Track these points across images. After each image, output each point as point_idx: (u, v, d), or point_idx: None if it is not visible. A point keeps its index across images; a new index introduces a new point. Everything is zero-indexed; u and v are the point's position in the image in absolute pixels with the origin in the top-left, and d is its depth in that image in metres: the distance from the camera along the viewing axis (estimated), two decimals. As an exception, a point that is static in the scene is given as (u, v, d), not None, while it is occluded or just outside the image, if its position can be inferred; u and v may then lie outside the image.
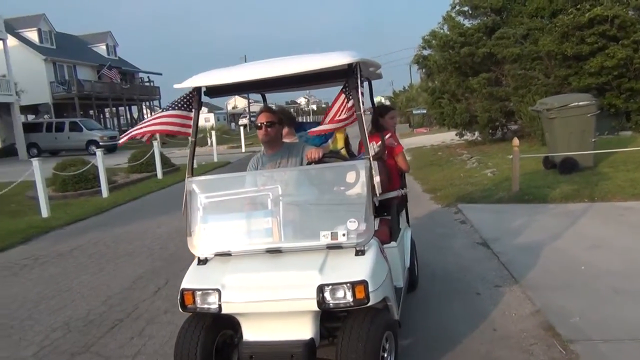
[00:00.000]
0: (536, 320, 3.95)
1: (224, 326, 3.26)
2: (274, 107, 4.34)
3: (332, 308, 3.00)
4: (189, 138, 3.59)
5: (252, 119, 59.29)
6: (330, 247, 3.17)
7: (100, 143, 29.48)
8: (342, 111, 3.35)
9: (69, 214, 10.37)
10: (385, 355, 3.12)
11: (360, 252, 3.13)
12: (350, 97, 3.31)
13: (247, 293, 3.07)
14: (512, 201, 8.02)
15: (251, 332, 3.15)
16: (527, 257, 5.39)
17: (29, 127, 30.83)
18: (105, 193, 12.44)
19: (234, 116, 75.05)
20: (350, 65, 3.30)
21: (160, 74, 49.94)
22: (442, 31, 15.29)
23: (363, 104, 3.38)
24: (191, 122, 3.60)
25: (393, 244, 4.05)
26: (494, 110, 14.20)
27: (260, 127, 3.93)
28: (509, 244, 5.91)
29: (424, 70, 16.10)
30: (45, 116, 36.36)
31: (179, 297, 3.20)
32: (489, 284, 4.81)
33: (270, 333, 3.11)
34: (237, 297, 3.07)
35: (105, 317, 4.89)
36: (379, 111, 5.03)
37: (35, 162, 10.35)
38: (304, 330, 3.08)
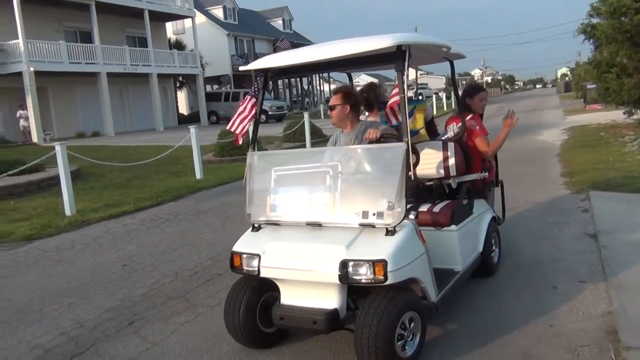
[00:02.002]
0: (603, 322, 3.66)
1: (270, 289, 3.60)
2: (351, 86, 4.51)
3: (353, 283, 3.17)
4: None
5: (420, 90, 58.59)
6: (362, 225, 3.32)
7: (269, 112, 31.82)
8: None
9: (218, 177, 11.58)
10: (406, 334, 3.21)
11: (390, 232, 3.23)
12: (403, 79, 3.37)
13: (281, 260, 3.38)
14: (654, 192, 7.15)
15: (286, 296, 3.46)
16: (633, 254, 4.88)
17: (210, 97, 34.28)
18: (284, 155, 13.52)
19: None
20: (399, 47, 3.34)
21: (331, 47, 51.36)
22: (613, -4, 13.60)
23: (413, 86, 3.41)
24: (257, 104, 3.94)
25: (453, 227, 4.02)
26: (671, 86, 12.41)
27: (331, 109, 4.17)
28: (621, 239, 5.37)
29: (591, 41, 14.54)
30: (227, 87, 39.96)
31: (229, 259, 3.62)
32: (573, 279, 4.50)
33: (301, 299, 3.38)
34: (273, 263, 3.39)
35: (208, 270, 5.57)
36: (467, 92, 4.91)
37: (192, 129, 11.69)
38: (329, 300, 3.30)
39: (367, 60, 3.57)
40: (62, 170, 8.65)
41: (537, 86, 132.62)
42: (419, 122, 4.72)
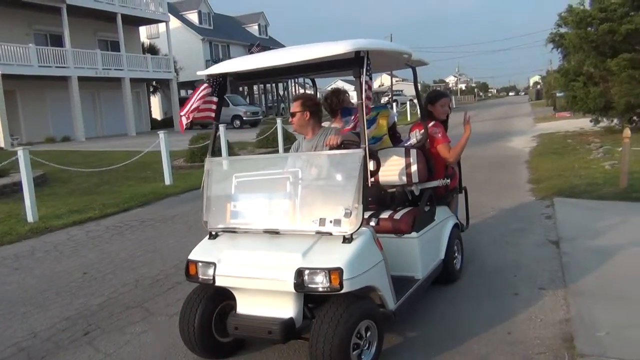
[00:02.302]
0: (559, 329, 3.68)
1: (227, 297, 3.52)
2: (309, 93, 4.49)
3: (309, 291, 3.12)
4: (213, 122, 3.88)
5: (395, 97, 59.08)
6: (320, 233, 3.28)
7: (244, 118, 31.70)
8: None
9: (187, 183, 11.43)
10: (362, 343, 3.17)
11: (347, 240, 3.19)
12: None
13: (237, 268, 3.31)
14: (616, 198, 7.26)
15: (242, 306, 3.39)
16: (593, 260, 4.94)
17: (184, 101, 33.87)
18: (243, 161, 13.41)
19: (378, 94, 75.16)
20: (357, 53, 3.32)
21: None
22: (579, 6, 13.89)
23: (368, 91, 3.38)
24: (215, 107, 3.88)
25: (414, 234, 4.00)
26: (635, 95, 12.68)
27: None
28: (583, 245, 5.43)
29: (559, 50, 14.80)
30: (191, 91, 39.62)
31: (185, 267, 3.54)
32: (533, 285, 4.53)
33: (257, 308, 3.32)
34: (228, 272, 3.32)
35: (169, 278, 5.46)
36: (429, 98, 4.92)
37: (161, 134, 11.54)
38: (285, 309, 3.24)
39: (326, 66, 3.54)
40: (25, 176, 8.43)
41: (510, 94, 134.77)
42: (383, 128, 4.70)
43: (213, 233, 3.65)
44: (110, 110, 30.35)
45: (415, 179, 4.40)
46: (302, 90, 48.47)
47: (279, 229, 3.42)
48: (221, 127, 13.47)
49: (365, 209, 4.20)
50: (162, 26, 34.34)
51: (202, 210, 3.69)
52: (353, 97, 4.02)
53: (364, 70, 3.31)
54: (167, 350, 3.78)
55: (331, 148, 3.88)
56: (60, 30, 25.94)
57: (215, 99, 3.86)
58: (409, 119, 34.53)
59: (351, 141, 3.92)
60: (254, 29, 48.30)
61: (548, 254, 5.32)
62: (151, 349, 3.87)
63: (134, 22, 31.45)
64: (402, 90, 71.20)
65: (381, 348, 3.32)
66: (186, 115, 3.89)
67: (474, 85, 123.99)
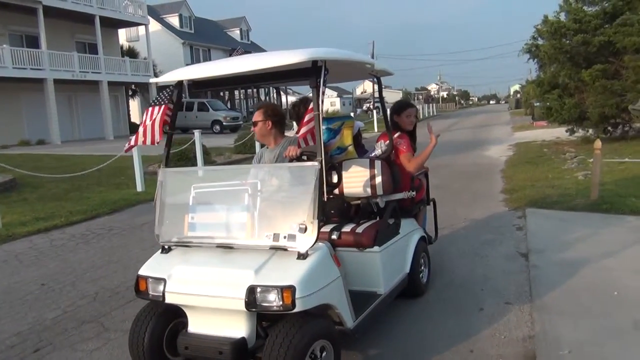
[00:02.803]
0: (522, 347, 3.60)
1: (179, 315, 3.37)
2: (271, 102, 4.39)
3: (261, 310, 3.00)
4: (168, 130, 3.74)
5: (377, 104, 59.25)
6: (274, 249, 3.16)
7: (224, 123, 31.46)
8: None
9: (160, 190, 11.19)
10: (317, 363, 3.05)
11: (301, 256, 3.07)
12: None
13: (187, 285, 3.17)
14: (586, 209, 7.25)
15: (194, 324, 3.25)
16: (560, 274, 4.89)
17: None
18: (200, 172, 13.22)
19: (360, 101, 75.42)
20: (314, 62, 3.22)
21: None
22: (555, 18, 14.01)
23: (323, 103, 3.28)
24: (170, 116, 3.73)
25: (376, 248, 3.90)
26: (609, 106, 12.79)
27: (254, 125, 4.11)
28: (551, 258, 5.38)
29: (535, 60, 14.91)
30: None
31: (135, 283, 3.39)
32: (500, 300, 4.45)
33: (208, 327, 3.18)
34: (178, 288, 3.18)
35: (130, 290, 5.20)
36: (394, 109, 4.84)
37: (196, 133, 11.39)
38: (237, 328, 3.11)
39: (283, 76, 3.43)
40: (-13, 182, 8.17)
41: (491, 102, 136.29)
42: (347, 138, 4.60)
43: (166, 247, 3.51)
44: (88, 113, 29.90)
45: (379, 190, 4.30)
46: (283, 96, 48.48)
47: (233, 244, 3.29)
48: (197, 133, 13.32)
49: (327, 222, 4.14)
50: (142, 29, 34.05)
51: (154, 223, 3.55)
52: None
53: (322, 80, 3.21)
54: None
55: (290, 159, 3.77)
56: (37, 31, 25.51)
57: (170, 106, 3.71)
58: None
59: (311, 152, 3.80)
60: (235, 33, 48.10)
61: (517, 267, 5.26)
62: (101, 367, 3.70)
63: (112, 24, 31.08)
64: (384, 97, 71.42)
65: (337, 368, 3.20)
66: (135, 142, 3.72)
67: (455, 93, 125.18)
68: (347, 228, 4.01)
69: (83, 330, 4.38)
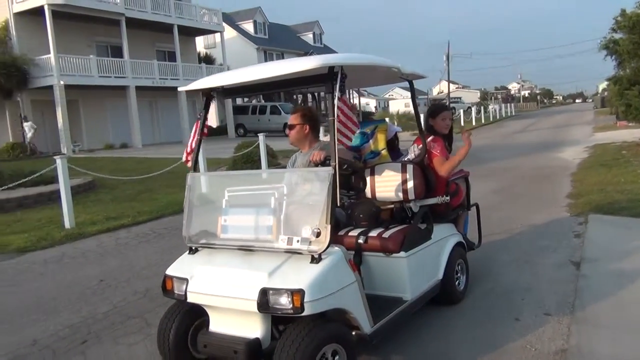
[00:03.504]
0: (551, 361, 3.44)
1: (203, 314, 3.50)
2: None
3: (273, 312, 3.06)
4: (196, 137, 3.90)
5: (453, 104, 58.01)
6: (289, 252, 3.21)
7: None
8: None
9: (223, 192, 11.57)
10: (329, 367, 3.07)
11: (315, 260, 3.10)
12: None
13: (206, 286, 3.29)
14: (655, 217, 6.77)
15: (213, 323, 3.37)
16: (611, 285, 4.61)
17: (238, 110, 34.63)
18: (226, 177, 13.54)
19: (434, 101, 74.00)
20: (331, 69, 3.25)
21: (361, 61, 51.44)
22: (635, 11, 13.09)
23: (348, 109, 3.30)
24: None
25: (402, 253, 3.85)
26: (696, 104, 11.81)
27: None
28: (605, 267, 5.08)
29: (612, 57, 14.01)
30: (254, 100, 40.36)
31: (162, 282, 3.56)
32: (539, 311, 4.26)
33: (226, 327, 3.29)
34: (198, 288, 3.31)
35: (177, 289, 5.50)
36: (430, 112, 4.76)
37: (261, 136, 11.92)
38: (252, 329, 3.19)
39: (301, 82, 3.49)
40: (62, 183, 8.80)
41: (577, 101, 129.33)
42: (380, 142, 4.59)
43: (193, 248, 3.65)
44: (167, 118, 31.37)
45: (411, 195, 4.25)
46: (356, 99, 48.49)
47: (253, 246, 3.37)
48: (261, 136, 13.62)
49: (357, 226, 4.14)
50: (218, 36, 35.25)
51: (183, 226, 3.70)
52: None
53: (337, 85, 3.23)
54: None
55: (315, 164, 3.81)
56: (120, 41, 27.06)
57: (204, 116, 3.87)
58: (463, 125, 33.97)
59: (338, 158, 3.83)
60: (308, 37, 48.76)
61: (565, 276, 5.00)
62: (136, 361, 3.90)
63: (190, 32, 32.43)
64: (460, 98, 69.84)
65: (351, 373, 3.20)
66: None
67: (538, 92, 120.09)
68: (374, 232, 3.99)
69: (128, 325, 4.63)
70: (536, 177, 11.30)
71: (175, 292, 3.44)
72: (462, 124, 31.98)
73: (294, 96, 44.84)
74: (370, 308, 3.47)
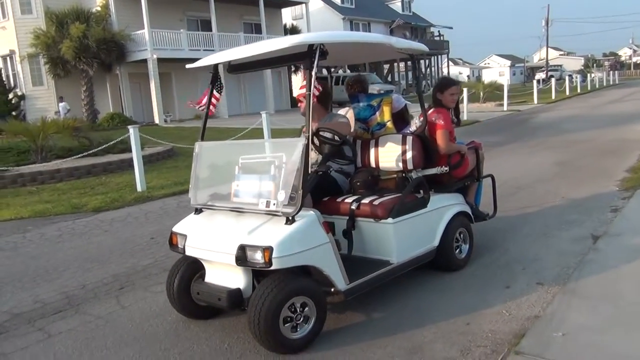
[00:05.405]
0: (520, 326, 3.57)
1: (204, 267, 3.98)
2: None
3: (249, 266, 3.46)
4: (201, 109, 4.34)
5: (551, 73, 54.88)
6: (269, 214, 3.58)
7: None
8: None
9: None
10: (296, 317, 3.42)
11: (289, 221, 3.45)
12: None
13: (199, 241, 3.76)
14: None
15: (208, 275, 3.84)
16: (621, 259, 4.55)
17: (320, 81, 34.89)
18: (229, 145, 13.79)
19: (533, 70, 70.22)
20: (310, 46, 3.53)
21: (451, 28, 50.03)
22: None
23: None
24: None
25: (389, 220, 4.08)
26: None
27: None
28: (623, 243, 4.98)
29: None
30: (340, 71, 40.51)
31: (169, 237, 4.07)
32: (533, 280, 4.34)
33: (216, 278, 3.75)
34: (192, 243, 3.78)
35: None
36: (438, 86, 4.87)
37: (263, 114, 12.33)
38: (235, 280, 3.62)
39: (286, 59, 3.80)
40: (134, 151, 9.70)
41: None
42: (386, 114, 4.77)
43: (198, 209, 4.12)
44: (253, 89, 32.44)
45: (410, 165, 4.45)
46: (439, 66, 47.14)
47: (243, 209, 3.77)
48: (264, 114, 13.36)
49: (355, 194, 4.42)
50: (304, 7, 35.65)
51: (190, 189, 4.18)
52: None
53: (315, 62, 3.51)
54: (166, 309, 4.28)
55: (312, 134, 4.12)
56: (209, 15, 28.22)
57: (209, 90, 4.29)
58: (568, 94, 32.56)
59: (326, 129, 4.12)
60: (397, 5, 47.86)
61: (578, 249, 4.97)
62: (157, 305, 4.46)
63: (275, 4, 33.07)
64: (561, 65, 65.82)
65: (322, 324, 3.55)
66: (196, 103, 4.40)
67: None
68: (367, 200, 4.24)
69: (161, 277, 5.22)
70: (607, 150, 10.77)
71: (179, 246, 3.93)
72: (553, 96, 30.30)
73: (384, 65, 44.42)
74: (355, 268, 3.79)
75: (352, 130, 4.68)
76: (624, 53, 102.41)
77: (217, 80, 4.29)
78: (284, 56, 3.78)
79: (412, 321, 3.78)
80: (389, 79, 43.78)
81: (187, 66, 4.37)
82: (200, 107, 4.45)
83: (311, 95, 3.50)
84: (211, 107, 4.43)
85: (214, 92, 4.34)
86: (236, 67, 4.28)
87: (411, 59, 4.55)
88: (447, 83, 4.86)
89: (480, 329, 3.58)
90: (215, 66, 4.23)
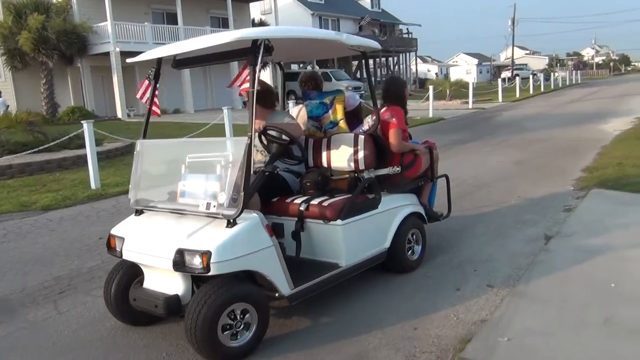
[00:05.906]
0: (466, 330, 3.51)
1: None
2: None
3: (188, 271, 3.30)
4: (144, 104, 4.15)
5: (517, 71, 55.73)
6: (210, 216, 3.43)
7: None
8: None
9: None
10: (235, 324, 3.28)
11: (230, 224, 3.30)
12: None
13: (137, 245, 3.58)
14: (662, 193, 6.48)
15: (146, 280, 3.66)
16: (570, 260, 4.55)
17: (288, 76, 34.64)
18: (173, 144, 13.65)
19: (500, 68, 71.26)
20: (254, 41, 3.38)
21: (420, 25, 50.23)
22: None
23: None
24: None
25: (338, 221, 3.97)
26: None
27: None
28: (574, 244, 4.99)
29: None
30: (309, 67, 40.36)
31: (107, 240, 3.88)
32: (483, 282, 4.29)
33: (154, 284, 3.58)
34: (130, 246, 3.60)
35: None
36: (404, 84, 4.85)
37: (225, 110, 12.12)
38: (174, 286, 3.46)
39: (230, 55, 3.64)
40: (89, 146, 9.36)
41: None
42: (339, 113, 4.65)
43: (138, 210, 3.93)
44: (220, 84, 31.97)
45: (362, 165, 4.34)
46: (407, 63, 47.36)
47: (185, 210, 3.61)
48: (225, 109, 13.18)
49: (305, 194, 4.29)
50: (272, 1, 35.35)
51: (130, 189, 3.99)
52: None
53: (260, 58, 3.36)
54: (105, 315, 4.07)
55: (259, 133, 3.99)
56: (175, 8, 27.68)
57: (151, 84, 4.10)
58: (532, 93, 33.18)
59: (272, 128, 3.99)
60: (366, 2, 47.88)
61: (530, 250, 4.96)
62: (96, 311, 4.25)
63: (243, -1, 32.67)
64: (526, 64, 66.96)
65: (264, 331, 3.42)
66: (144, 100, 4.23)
67: (616, 58, 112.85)
68: (316, 201, 4.12)
69: (105, 280, 5.03)
70: (564, 149, 10.91)
71: (117, 249, 3.74)
72: (518, 94, 30.80)
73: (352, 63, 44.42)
74: (302, 271, 3.67)
75: (303, 129, 4.57)
76: (587, 53, 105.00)
77: (159, 76, 4.09)
78: (229, 52, 3.61)
79: (360, 326, 3.68)
80: (357, 75, 43.78)
81: (128, 60, 4.18)
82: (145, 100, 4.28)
83: (254, 92, 3.35)
84: (154, 107, 4.26)
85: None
86: (181, 62, 4.10)
87: (363, 56, 4.45)
88: (405, 82, 4.80)
89: (426, 334, 3.51)
90: (159, 61, 4.04)
